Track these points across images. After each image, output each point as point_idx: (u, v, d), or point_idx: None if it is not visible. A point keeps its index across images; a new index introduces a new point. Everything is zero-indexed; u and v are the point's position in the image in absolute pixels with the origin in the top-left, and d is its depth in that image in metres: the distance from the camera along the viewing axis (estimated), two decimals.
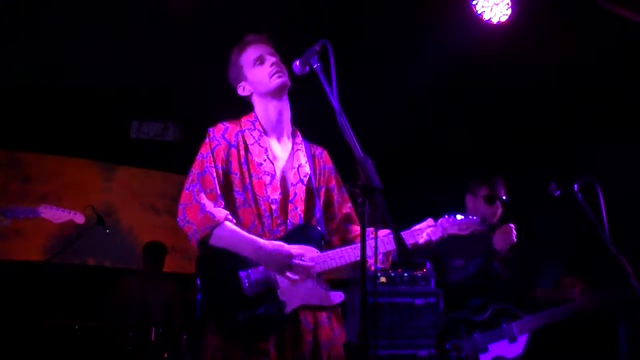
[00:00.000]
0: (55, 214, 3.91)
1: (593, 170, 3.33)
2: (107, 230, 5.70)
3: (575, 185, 3.28)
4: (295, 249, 2.43)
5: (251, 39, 2.66)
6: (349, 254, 2.48)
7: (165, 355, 4.88)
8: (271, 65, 2.57)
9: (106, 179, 6.86)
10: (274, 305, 2.37)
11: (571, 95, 5.28)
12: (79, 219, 4.02)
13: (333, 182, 2.75)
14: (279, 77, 2.56)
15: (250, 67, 2.62)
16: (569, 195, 3.28)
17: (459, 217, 2.62)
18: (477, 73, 5.09)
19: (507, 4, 4.35)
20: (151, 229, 6.70)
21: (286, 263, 2.39)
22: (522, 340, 3.94)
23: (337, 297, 2.49)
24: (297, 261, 2.40)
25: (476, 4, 4.38)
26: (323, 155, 2.77)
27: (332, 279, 2.65)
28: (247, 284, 2.38)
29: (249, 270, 2.40)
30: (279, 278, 2.41)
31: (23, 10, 4.44)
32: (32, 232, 6.02)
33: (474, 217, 2.65)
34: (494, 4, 4.35)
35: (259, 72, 2.59)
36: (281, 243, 2.42)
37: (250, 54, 2.63)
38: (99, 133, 6.25)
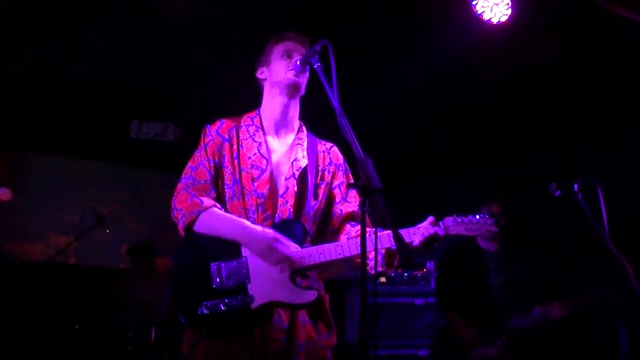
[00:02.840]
0: None
1: (593, 170, 3.33)
2: (107, 230, 5.70)
3: (575, 185, 3.27)
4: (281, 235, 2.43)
5: (292, 36, 2.69)
6: (331, 251, 2.44)
7: (165, 355, 4.88)
8: (294, 61, 2.59)
9: (106, 179, 6.86)
10: (241, 299, 2.35)
11: (571, 95, 5.28)
12: (5, 195, 3.95)
13: (339, 180, 2.70)
14: (295, 76, 2.58)
15: (277, 57, 2.64)
16: (569, 195, 3.28)
17: (473, 216, 2.47)
18: (477, 73, 5.09)
19: (507, 4, 4.34)
20: (151, 229, 6.69)
21: (269, 245, 2.37)
22: None
23: (308, 295, 2.42)
24: (279, 245, 2.37)
25: (476, 4, 4.37)
26: (331, 152, 2.74)
27: (329, 278, 2.64)
28: (216, 276, 2.38)
29: (221, 263, 2.39)
30: (252, 272, 2.39)
31: (23, 10, 4.44)
32: None
33: (488, 218, 2.50)
34: (494, 4, 4.35)
35: (281, 64, 2.62)
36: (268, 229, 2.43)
37: (284, 46, 2.66)
38: (99, 133, 6.25)
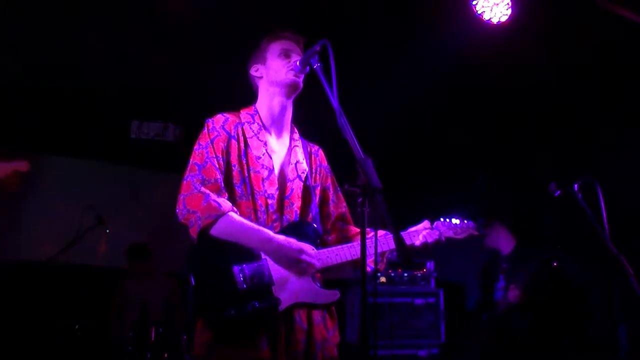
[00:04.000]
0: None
1: (593, 170, 3.33)
2: (107, 230, 5.70)
3: (575, 185, 3.28)
4: (304, 244, 2.40)
5: (288, 35, 2.66)
6: (345, 252, 2.47)
7: (165, 355, 4.88)
8: (294, 61, 2.56)
9: (106, 179, 6.86)
10: (268, 301, 2.31)
11: (571, 95, 5.28)
12: (23, 166, 3.91)
13: (329, 182, 2.74)
14: (295, 75, 2.56)
15: (274, 55, 2.61)
16: (569, 196, 3.28)
17: (454, 221, 2.62)
18: (477, 73, 5.09)
19: (507, 4, 4.35)
20: (151, 229, 6.69)
21: (296, 258, 2.35)
22: None
23: (333, 295, 2.44)
24: (305, 257, 2.36)
25: (476, 4, 4.38)
26: (319, 154, 2.76)
27: (330, 279, 2.64)
28: (240, 279, 2.30)
29: (243, 265, 2.33)
30: (274, 274, 2.36)
31: (23, 10, 4.44)
32: None
33: (470, 222, 2.64)
34: (494, 4, 4.35)
35: (279, 63, 2.58)
36: (291, 238, 2.39)
37: (280, 44, 2.63)
38: (99, 133, 6.25)
